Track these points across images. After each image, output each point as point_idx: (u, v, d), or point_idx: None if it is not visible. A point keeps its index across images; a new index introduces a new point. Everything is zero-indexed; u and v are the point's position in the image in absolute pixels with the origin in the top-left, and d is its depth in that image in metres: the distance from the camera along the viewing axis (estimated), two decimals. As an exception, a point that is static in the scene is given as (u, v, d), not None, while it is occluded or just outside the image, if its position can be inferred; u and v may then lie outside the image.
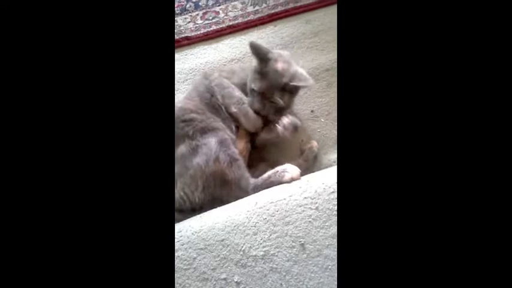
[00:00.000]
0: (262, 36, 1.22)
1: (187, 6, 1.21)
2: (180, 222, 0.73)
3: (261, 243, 0.67)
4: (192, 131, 0.85)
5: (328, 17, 1.23)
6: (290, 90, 0.90)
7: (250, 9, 1.24)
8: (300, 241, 0.67)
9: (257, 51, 0.88)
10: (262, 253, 0.66)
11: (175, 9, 1.21)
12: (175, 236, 0.68)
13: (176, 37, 1.14)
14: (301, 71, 0.91)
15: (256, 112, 0.91)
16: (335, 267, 0.64)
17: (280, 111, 0.92)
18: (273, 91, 0.88)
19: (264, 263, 0.65)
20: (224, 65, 1.15)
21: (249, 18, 1.22)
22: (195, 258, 0.66)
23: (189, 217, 0.76)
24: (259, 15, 1.23)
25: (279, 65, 0.88)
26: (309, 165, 0.95)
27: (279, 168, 0.81)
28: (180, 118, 0.87)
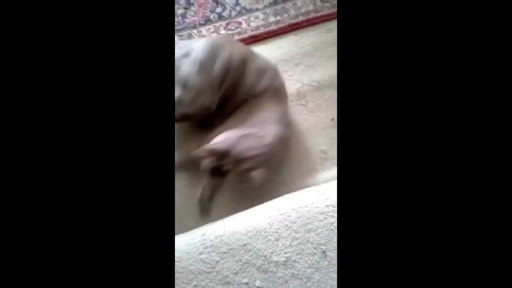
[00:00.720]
0: (283, 45, 1.24)
1: (211, 17, 1.26)
2: (204, 226, 0.75)
3: (282, 249, 0.68)
4: None
5: (349, 26, 1.24)
6: None
7: (272, 19, 1.27)
8: (321, 248, 0.67)
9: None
10: (283, 259, 0.67)
11: (200, 19, 1.25)
12: (199, 239, 0.70)
13: (200, 47, 1.19)
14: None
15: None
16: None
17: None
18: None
19: (285, 269, 0.66)
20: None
21: (270, 28, 1.25)
22: (217, 261, 0.67)
23: None
24: (280, 25, 1.26)
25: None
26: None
27: None
28: None
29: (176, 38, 1.15)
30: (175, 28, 1.23)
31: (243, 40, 1.22)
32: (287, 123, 0.93)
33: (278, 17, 1.27)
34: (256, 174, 0.79)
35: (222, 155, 0.80)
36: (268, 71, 0.96)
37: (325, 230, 0.68)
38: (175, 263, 0.67)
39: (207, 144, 0.81)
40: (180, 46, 0.97)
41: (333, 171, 0.98)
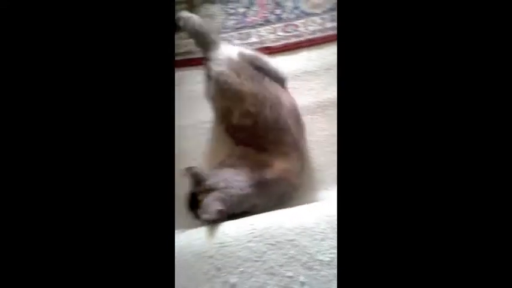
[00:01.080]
0: (334, 51, 1.25)
1: (270, 18, 1.29)
2: (252, 216, 0.78)
3: (328, 250, 0.69)
4: None
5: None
6: None
7: (328, 25, 1.28)
8: (366, 254, 0.68)
9: None
10: (328, 259, 0.68)
11: (259, 20, 1.29)
12: (248, 228, 0.73)
13: (258, 46, 1.22)
14: None
15: None
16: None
17: None
18: None
19: (329, 269, 0.67)
20: (298, 76, 1.20)
21: (327, 33, 1.26)
22: (265, 252, 0.70)
23: None
24: (336, 31, 1.27)
25: None
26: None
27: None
28: None
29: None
30: (236, 26, 1.28)
31: (299, 43, 1.24)
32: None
33: (335, 23, 1.28)
34: (211, 207, 0.74)
35: (198, 179, 0.78)
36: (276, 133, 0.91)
37: (373, 237, 0.69)
38: (224, 248, 0.71)
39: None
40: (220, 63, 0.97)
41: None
